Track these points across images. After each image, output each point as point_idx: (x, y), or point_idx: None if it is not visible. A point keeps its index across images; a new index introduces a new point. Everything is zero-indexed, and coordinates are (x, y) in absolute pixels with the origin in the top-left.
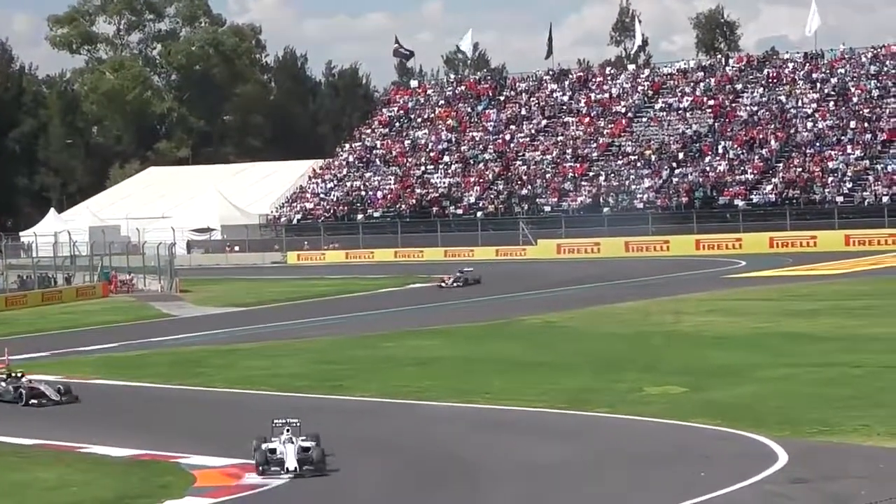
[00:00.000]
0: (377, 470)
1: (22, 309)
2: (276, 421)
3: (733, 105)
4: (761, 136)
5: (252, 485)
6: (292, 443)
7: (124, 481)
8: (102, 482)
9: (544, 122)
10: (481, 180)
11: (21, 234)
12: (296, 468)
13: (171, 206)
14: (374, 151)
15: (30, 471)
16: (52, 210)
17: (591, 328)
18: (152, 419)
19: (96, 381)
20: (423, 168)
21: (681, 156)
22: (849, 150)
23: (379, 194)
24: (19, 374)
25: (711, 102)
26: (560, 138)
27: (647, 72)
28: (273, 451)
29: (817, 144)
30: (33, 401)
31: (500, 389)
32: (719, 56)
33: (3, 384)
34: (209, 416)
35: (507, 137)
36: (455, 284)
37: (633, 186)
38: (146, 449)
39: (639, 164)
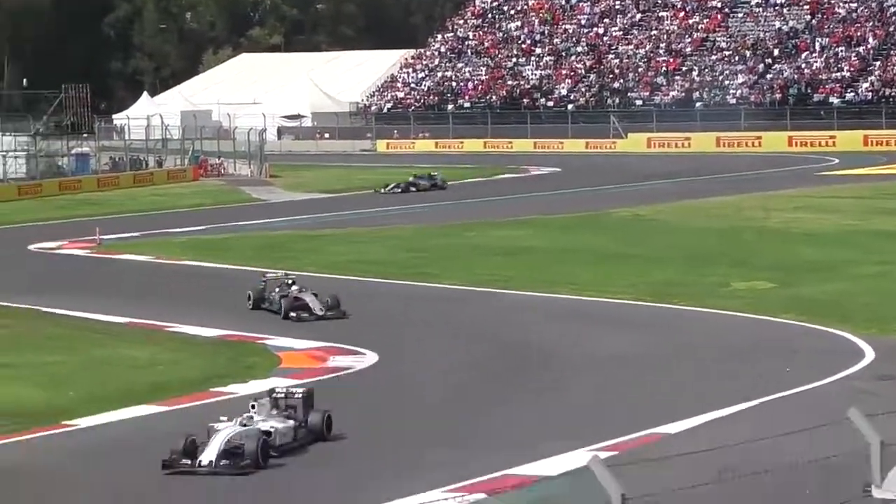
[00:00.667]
0: (456, 355)
1: (114, 190)
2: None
3: (831, 1)
4: (859, 34)
5: (336, 367)
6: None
7: (212, 361)
8: (191, 362)
9: (638, 16)
10: (573, 73)
11: (114, 116)
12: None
13: (262, 92)
14: (466, 42)
15: (119, 348)
16: (144, 94)
17: (680, 222)
18: (239, 301)
19: (184, 262)
20: (514, 60)
21: (776, 52)
22: None
23: (469, 85)
24: (290, 283)
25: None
26: (654, 32)
27: None
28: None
29: None
30: (293, 314)
31: (587, 281)
32: None
33: (275, 293)
34: None
35: (601, 31)
36: (394, 190)
37: (727, 82)
38: (233, 330)
39: (733, 60)
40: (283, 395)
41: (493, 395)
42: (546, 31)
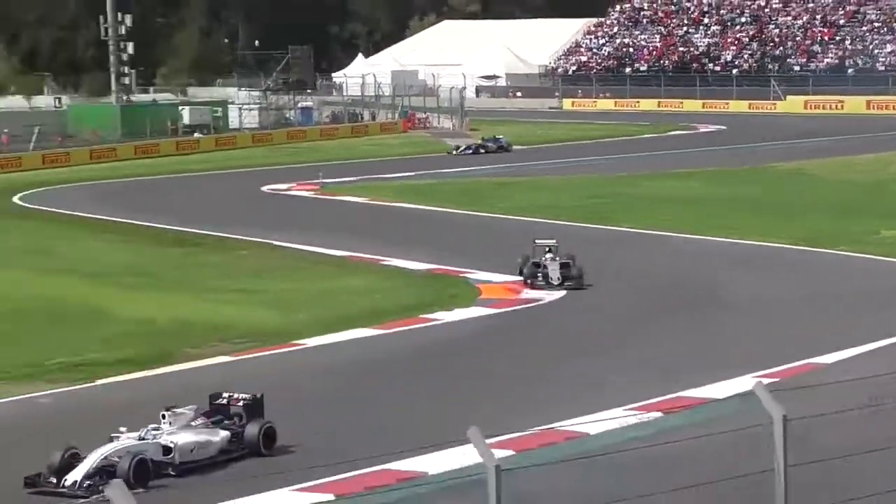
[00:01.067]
0: (633, 290)
1: (334, 140)
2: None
3: None
4: None
5: (529, 299)
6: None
7: (422, 291)
8: (403, 291)
9: None
10: (737, 41)
11: (333, 75)
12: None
13: (462, 55)
14: (643, 12)
15: (341, 278)
16: (359, 55)
17: (833, 176)
18: (443, 239)
19: (395, 203)
20: (685, 28)
21: None
22: None
23: (645, 51)
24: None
25: None
26: (811, 5)
27: None
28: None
29: None
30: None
31: (749, 227)
32: None
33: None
34: (491, 238)
35: (762, 3)
36: (466, 151)
37: (876, 51)
38: (439, 264)
39: (882, 31)
40: (224, 402)
41: (667, 327)
42: (714, 3)
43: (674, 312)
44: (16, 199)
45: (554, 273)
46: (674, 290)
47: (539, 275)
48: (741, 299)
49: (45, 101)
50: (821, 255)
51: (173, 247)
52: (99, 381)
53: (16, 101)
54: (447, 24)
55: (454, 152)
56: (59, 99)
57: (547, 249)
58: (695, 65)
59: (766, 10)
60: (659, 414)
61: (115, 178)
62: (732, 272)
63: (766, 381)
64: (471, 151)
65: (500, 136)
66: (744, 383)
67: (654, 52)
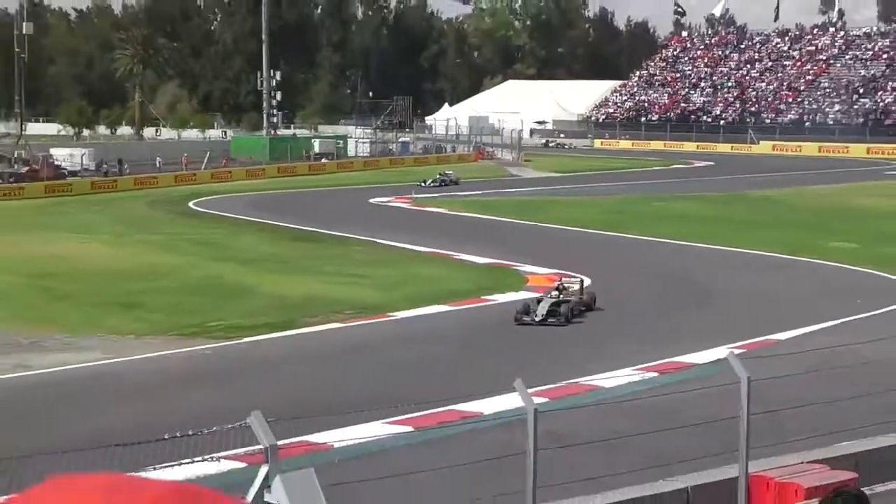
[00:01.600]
0: (643, 281)
1: (424, 166)
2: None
3: None
4: None
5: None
6: (549, 298)
7: (482, 277)
8: (468, 276)
9: (770, 63)
10: (724, 100)
11: (426, 118)
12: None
13: (521, 105)
14: (655, 77)
15: (424, 267)
16: (445, 104)
17: (795, 202)
18: (501, 241)
19: (466, 214)
20: (686, 90)
21: (861, 90)
22: None
23: (656, 105)
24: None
25: (885, 56)
26: (779, 75)
27: (842, 33)
28: (527, 307)
29: None
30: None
31: (730, 237)
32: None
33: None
34: (539, 240)
35: (744, 73)
36: (432, 184)
37: (827, 109)
38: (498, 259)
39: (832, 95)
40: (569, 286)
41: (664, 309)
42: (707, 72)
43: (670, 299)
44: (191, 204)
45: (542, 309)
46: (671, 282)
47: (529, 312)
48: (721, 291)
49: (215, 133)
50: (786, 259)
51: (304, 242)
52: (244, 339)
53: (193, 134)
54: (511, 83)
55: (422, 184)
56: (225, 132)
57: (556, 287)
58: (692, 116)
59: (747, 77)
60: (656, 374)
61: (264, 190)
62: (716, 270)
63: (736, 351)
64: (437, 184)
65: (450, 172)
66: (721, 352)
67: (663, 107)
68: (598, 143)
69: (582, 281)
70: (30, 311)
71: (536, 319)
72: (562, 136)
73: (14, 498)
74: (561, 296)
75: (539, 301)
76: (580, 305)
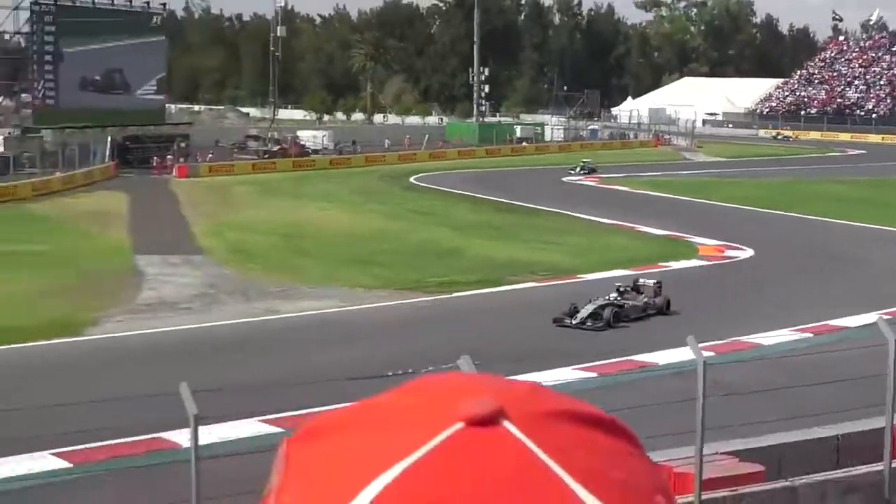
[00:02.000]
0: (797, 255)
1: (611, 150)
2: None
3: None
4: None
5: (731, 256)
6: (597, 301)
7: (659, 247)
8: (647, 246)
9: None
10: (876, 96)
11: (612, 109)
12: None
13: (695, 99)
14: (815, 75)
15: (610, 237)
16: (629, 98)
17: None
18: (676, 216)
19: (646, 192)
20: (842, 87)
21: None
22: None
23: (815, 101)
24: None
25: None
26: None
27: None
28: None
29: None
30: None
31: (883, 217)
32: None
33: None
34: (708, 216)
35: (895, 71)
36: (581, 172)
37: None
38: (673, 231)
39: None
40: (641, 283)
41: (817, 279)
42: (862, 71)
43: (821, 270)
44: (412, 179)
45: (584, 312)
46: (825, 255)
47: (573, 314)
48: (872, 262)
49: (432, 120)
50: None
51: (507, 213)
52: (455, 294)
53: (415, 120)
54: (686, 80)
55: (572, 172)
56: (442, 119)
57: (618, 289)
58: (847, 110)
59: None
60: (811, 335)
61: (474, 168)
62: (867, 245)
63: (886, 317)
64: (586, 172)
65: (588, 160)
66: (870, 318)
67: (821, 101)
68: (762, 133)
69: (659, 283)
70: (280, 265)
71: (574, 322)
72: (730, 125)
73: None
74: (618, 298)
75: (589, 302)
76: (650, 308)
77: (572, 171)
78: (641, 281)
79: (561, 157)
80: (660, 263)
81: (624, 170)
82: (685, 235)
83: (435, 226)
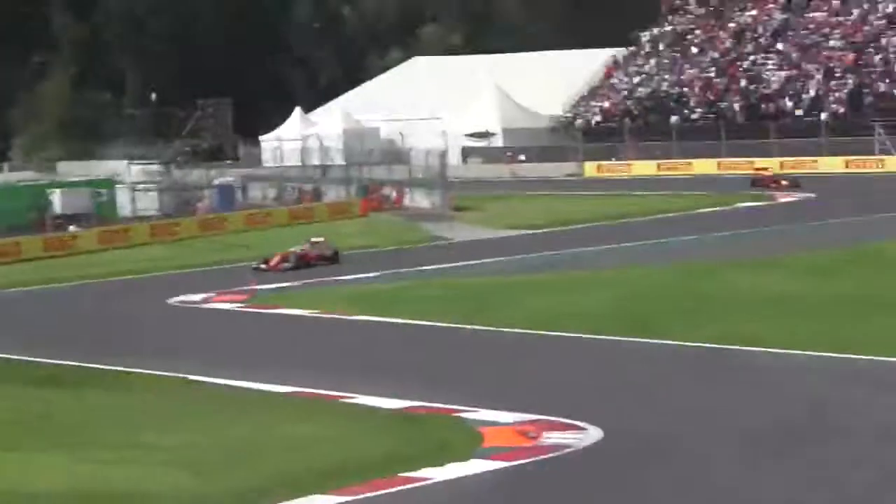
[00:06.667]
0: (698, 434)
1: (266, 230)
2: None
3: None
4: None
5: (553, 445)
6: None
7: (396, 438)
8: (369, 438)
9: None
10: (826, 74)
11: (262, 138)
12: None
13: (440, 104)
14: (689, 37)
15: (279, 425)
16: (297, 109)
17: None
18: (425, 364)
19: (352, 317)
20: (751, 58)
21: None
22: None
23: (695, 91)
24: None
25: None
26: None
27: None
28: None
29: None
30: None
31: (866, 337)
32: None
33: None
34: (495, 361)
35: (857, 19)
36: (286, 265)
37: None
38: (420, 399)
39: None
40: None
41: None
42: (790, 21)
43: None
44: None
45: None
46: (760, 442)
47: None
48: (859, 432)
49: None
50: None
51: (44, 387)
52: None
53: None
54: (418, 63)
55: (262, 266)
56: None
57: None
58: (764, 108)
59: (865, 27)
60: None
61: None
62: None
63: None
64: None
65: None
66: None
67: (711, 93)
68: (591, 169)
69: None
70: None
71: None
72: (521, 157)
73: None
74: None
75: None
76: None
77: (262, 267)
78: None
79: (158, 252)
80: (401, 475)
81: (301, 272)
82: (450, 407)
83: None
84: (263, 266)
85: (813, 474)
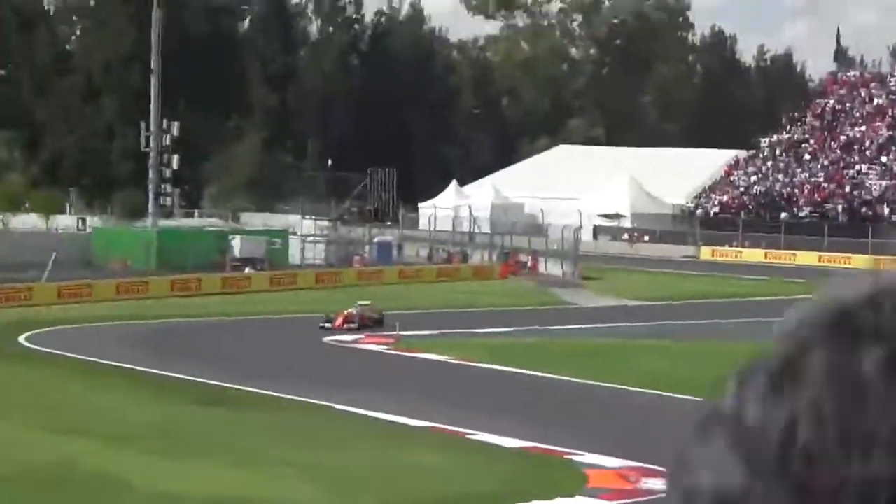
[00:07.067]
0: None
1: (417, 284)
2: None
3: None
4: None
5: (650, 490)
6: None
7: (512, 473)
8: (489, 471)
9: None
10: None
11: (420, 205)
12: None
13: (579, 187)
14: (804, 145)
15: (413, 454)
16: (453, 182)
17: None
18: (545, 410)
19: (486, 365)
20: (857, 167)
21: None
22: None
23: (805, 192)
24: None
25: None
26: None
27: None
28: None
29: None
30: None
31: None
32: None
33: None
34: (605, 412)
35: None
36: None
37: None
38: (536, 441)
39: None
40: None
41: None
42: (894, 137)
43: None
44: (21, 339)
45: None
46: None
47: None
48: None
49: (66, 220)
50: None
51: (212, 406)
52: None
53: (28, 220)
54: (562, 150)
55: (326, 325)
56: (84, 219)
57: None
58: (865, 210)
59: None
60: None
61: (146, 318)
62: None
63: None
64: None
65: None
66: None
67: (818, 194)
68: (706, 253)
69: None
70: None
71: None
72: (646, 238)
73: None
74: None
75: None
76: None
77: (328, 325)
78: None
79: (320, 296)
80: None
81: (444, 322)
82: (562, 450)
83: (67, 431)
84: (328, 325)
85: None
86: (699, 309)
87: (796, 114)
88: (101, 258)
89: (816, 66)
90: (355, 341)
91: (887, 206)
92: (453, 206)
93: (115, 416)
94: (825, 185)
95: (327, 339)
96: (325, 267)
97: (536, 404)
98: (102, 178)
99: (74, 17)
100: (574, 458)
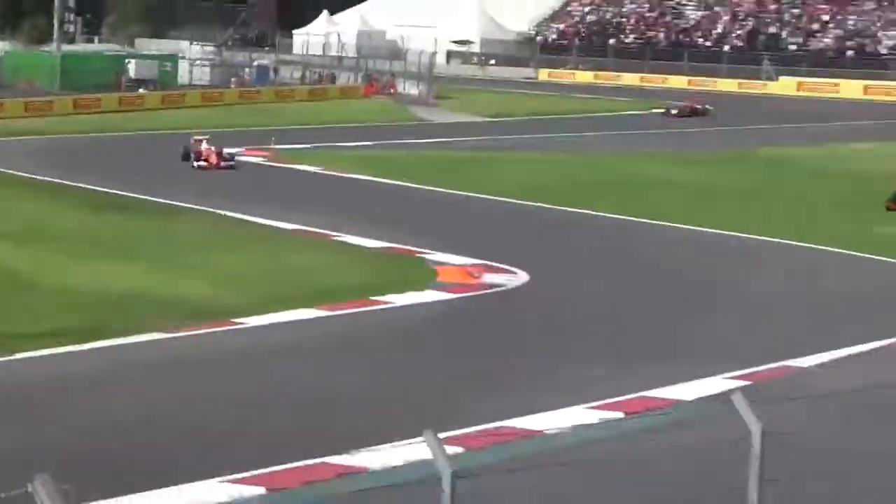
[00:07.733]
0: (603, 281)
1: (293, 103)
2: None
3: None
4: None
5: (490, 284)
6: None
7: (373, 269)
8: (353, 268)
9: None
10: (731, 16)
11: (294, 32)
12: None
13: (435, 17)
14: None
15: (286, 254)
16: (324, 12)
17: (824, 165)
18: (402, 216)
19: (354, 175)
20: (676, 0)
21: None
22: None
23: (632, 22)
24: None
25: None
26: None
27: None
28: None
29: None
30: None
31: (736, 218)
32: None
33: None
34: (455, 216)
35: None
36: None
37: (879, 33)
38: (395, 242)
39: (888, 11)
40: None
41: (638, 320)
42: None
43: (647, 305)
44: None
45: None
46: (645, 280)
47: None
48: (719, 294)
49: None
50: (810, 251)
51: (111, 212)
52: (18, 355)
53: None
54: None
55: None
56: None
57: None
58: (683, 38)
59: None
60: (621, 415)
61: (53, 133)
62: (711, 264)
63: (739, 383)
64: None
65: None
66: (715, 384)
67: (642, 24)
68: (544, 75)
69: None
70: None
71: None
72: (492, 62)
73: None
74: None
75: None
76: None
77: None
78: None
79: (206, 113)
80: (372, 298)
81: (314, 137)
82: (417, 249)
83: None
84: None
85: None
86: (536, 125)
87: None
88: (11, 79)
89: None
90: (237, 154)
91: (702, 34)
92: (324, 34)
93: (25, 216)
94: (649, 14)
95: None
96: (209, 87)
97: (397, 209)
98: (13, 7)
99: None
100: (426, 256)
